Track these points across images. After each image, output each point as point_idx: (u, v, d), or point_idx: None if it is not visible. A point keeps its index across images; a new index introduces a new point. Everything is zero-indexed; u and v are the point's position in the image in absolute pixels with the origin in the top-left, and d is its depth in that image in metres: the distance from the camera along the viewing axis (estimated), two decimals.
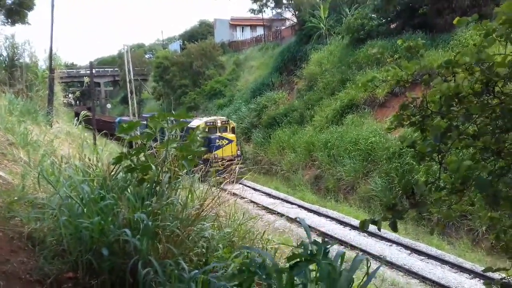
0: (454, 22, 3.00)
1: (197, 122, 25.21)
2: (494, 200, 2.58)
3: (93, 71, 36.45)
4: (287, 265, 2.37)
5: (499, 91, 2.80)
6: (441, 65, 2.73)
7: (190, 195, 3.80)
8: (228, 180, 5.10)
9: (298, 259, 2.28)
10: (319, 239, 2.48)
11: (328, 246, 2.24)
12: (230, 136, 25.83)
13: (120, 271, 3.27)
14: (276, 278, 1.91)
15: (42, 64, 17.22)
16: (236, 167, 5.37)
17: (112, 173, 3.83)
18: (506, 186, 2.62)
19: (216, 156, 23.13)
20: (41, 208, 3.88)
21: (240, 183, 18.96)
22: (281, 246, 5.05)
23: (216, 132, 25.59)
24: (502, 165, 3.29)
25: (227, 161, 21.86)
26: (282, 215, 14.11)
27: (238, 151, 25.91)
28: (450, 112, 2.75)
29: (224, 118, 28.13)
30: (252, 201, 17.91)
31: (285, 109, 30.72)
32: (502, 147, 3.06)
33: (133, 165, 3.32)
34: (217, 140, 24.80)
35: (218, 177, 5.01)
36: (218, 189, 4.40)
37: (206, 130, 24.17)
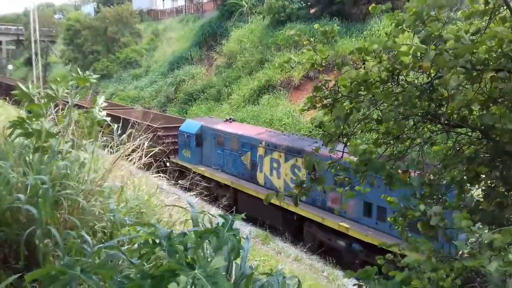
0: (370, 8, 3.17)
1: None
2: (389, 181, 2.79)
3: None
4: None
5: (403, 79, 3.00)
6: (353, 51, 2.85)
7: (93, 164, 3.60)
8: None
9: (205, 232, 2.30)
10: None
11: (233, 219, 2.28)
12: None
13: (14, 243, 3.03)
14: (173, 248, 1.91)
15: None
16: None
17: (9, 138, 3.51)
18: (398, 168, 2.84)
19: None
20: None
21: None
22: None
23: None
24: (400, 150, 3.56)
25: None
26: None
27: None
28: (358, 97, 2.90)
29: None
30: None
31: (203, 85, 30.35)
32: (401, 132, 3.31)
33: (30, 131, 3.06)
34: None
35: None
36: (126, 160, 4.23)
37: None
